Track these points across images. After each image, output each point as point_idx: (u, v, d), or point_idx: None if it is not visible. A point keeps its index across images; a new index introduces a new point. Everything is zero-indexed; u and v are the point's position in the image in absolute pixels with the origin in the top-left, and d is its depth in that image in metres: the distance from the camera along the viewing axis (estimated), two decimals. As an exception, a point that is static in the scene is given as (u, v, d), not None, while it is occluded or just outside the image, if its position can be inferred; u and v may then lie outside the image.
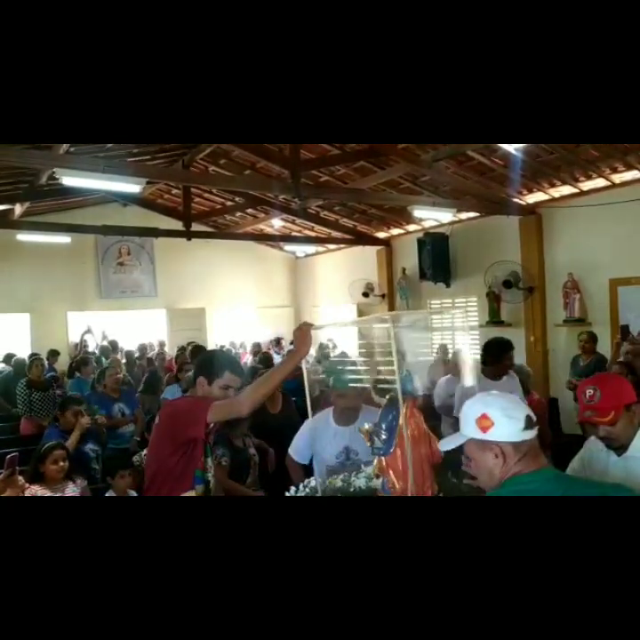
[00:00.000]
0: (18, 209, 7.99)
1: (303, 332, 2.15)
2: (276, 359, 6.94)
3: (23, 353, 8.03)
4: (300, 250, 11.50)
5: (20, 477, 2.61)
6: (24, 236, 8.19)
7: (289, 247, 11.46)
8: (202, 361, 2.53)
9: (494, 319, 7.41)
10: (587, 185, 6.33)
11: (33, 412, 5.66)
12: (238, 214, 10.05)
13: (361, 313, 10.29)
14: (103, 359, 7.95)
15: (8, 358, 8.03)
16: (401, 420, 1.89)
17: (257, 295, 11.74)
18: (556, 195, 6.71)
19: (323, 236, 10.15)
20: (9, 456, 2.50)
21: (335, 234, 9.82)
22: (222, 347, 9.10)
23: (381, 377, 2.04)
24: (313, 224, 9.71)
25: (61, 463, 3.22)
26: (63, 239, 8.51)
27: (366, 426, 2.00)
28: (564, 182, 6.41)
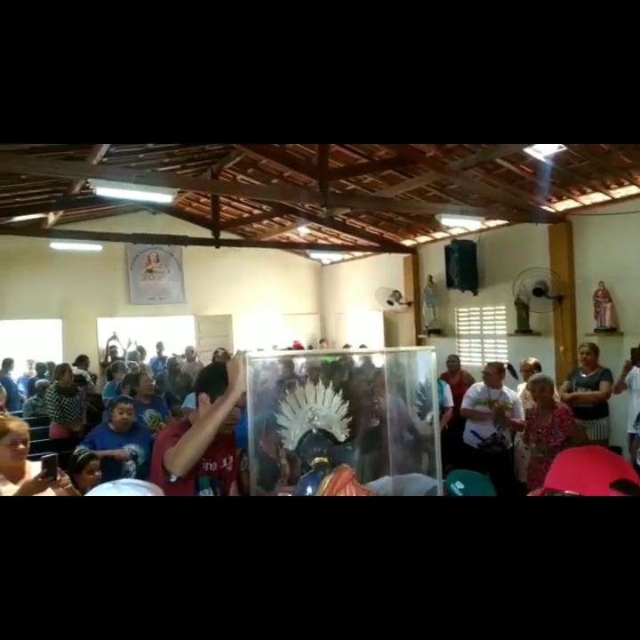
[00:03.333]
0: (51, 217, 8.20)
1: (235, 365, 1.70)
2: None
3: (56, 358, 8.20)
4: (326, 257, 11.53)
5: (67, 477, 2.65)
6: (57, 244, 8.37)
7: (315, 254, 11.50)
8: (207, 374, 2.17)
9: (523, 328, 7.33)
10: (618, 192, 6.23)
11: (64, 417, 5.79)
12: (265, 222, 10.13)
13: (387, 320, 10.27)
14: (136, 364, 8.07)
15: (40, 367, 8.24)
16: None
17: (283, 302, 11.80)
18: (587, 202, 6.61)
19: (349, 243, 10.16)
20: (45, 456, 2.49)
21: (361, 241, 9.82)
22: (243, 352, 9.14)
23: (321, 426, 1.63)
24: (339, 231, 9.73)
25: (97, 473, 3.36)
26: (95, 247, 8.68)
27: None
28: (595, 189, 6.32)
